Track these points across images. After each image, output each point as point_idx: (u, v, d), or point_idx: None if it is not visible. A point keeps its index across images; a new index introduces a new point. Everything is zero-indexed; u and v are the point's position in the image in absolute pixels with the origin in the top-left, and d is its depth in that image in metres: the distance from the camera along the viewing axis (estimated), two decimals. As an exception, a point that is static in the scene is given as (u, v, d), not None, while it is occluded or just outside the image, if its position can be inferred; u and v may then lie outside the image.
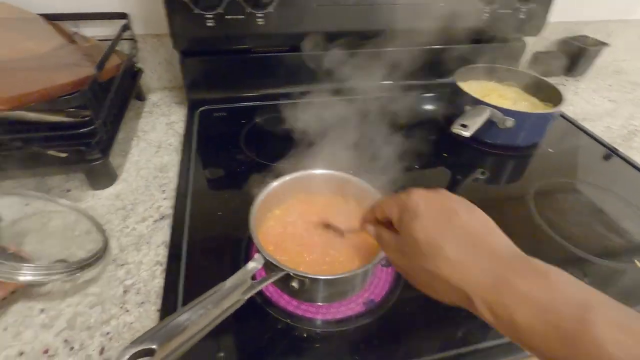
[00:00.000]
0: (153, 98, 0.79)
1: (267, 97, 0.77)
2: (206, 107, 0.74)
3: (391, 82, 0.84)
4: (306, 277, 0.36)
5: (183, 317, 0.30)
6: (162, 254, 0.47)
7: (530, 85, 0.74)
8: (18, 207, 0.50)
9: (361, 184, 0.46)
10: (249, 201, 0.54)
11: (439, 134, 0.71)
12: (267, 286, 0.40)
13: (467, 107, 0.65)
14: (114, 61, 0.60)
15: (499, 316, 0.24)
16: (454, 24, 0.78)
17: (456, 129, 0.56)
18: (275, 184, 0.46)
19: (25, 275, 0.38)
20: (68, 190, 0.55)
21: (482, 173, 0.63)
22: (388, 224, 0.34)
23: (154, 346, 0.27)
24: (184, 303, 0.41)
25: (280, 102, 0.77)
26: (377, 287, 0.44)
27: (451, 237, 0.27)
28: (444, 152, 0.66)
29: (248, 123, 0.71)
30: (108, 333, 0.39)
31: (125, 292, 0.43)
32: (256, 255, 0.37)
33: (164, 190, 0.56)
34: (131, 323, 0.40)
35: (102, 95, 0.53)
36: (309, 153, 0.64)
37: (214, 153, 0.64)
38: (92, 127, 0.50)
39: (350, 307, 0.43)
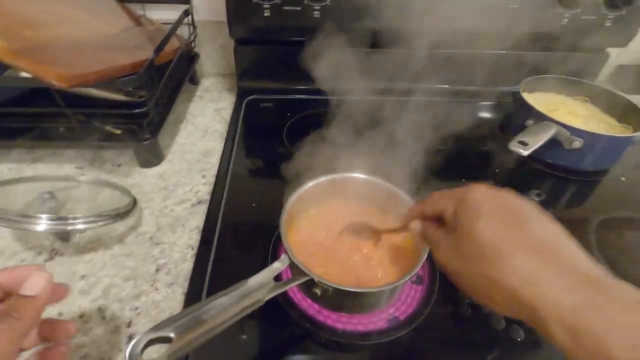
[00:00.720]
0: (206, 83, 0.81)
1: (315, 91, 0.76)
2: (254, 96, 0.75)
3: (447, 86, 0.79)
4: (330, 286, 0.35)
5: (204, 309, 0.30)
6: (195, 238, 0.48)
7: (607, 102, 0.66)
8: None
9: (403, 198, 0.43)
10: (283, 196, 0.54)
11: (494, 146, 0.65)
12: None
13: (530, 122, 0.59)
14: (172, 45, 0.62)
15: (582, 344, 0.20)
16: (527, 28, 0.71)
17: (514, 147, 0.51)
18: (312, 183, 0.45)
19: (73, 224, 0.42)
20: (119, 165, 0.58)
21: (538, 195, 0.57)
22: (436, 221, 0.31)
23: (172, 334, 0.27)
24: (209, 291, 0.42)
25: (328, 97, 0.75)
26: (404, 304, 0.42)
27: (523, 245, 0.24)
28: (496, 167, 0.61)
29: (293, 116, 0.71)
30: (137, 308, 0.41)
31: (157, 270, 0.44)
32: (283, 256, 0.37)
33: (204, 175, 0.58)
34: (159, 302, 0.41)
35: (158, 77, 0.55)
36: (350, 155, 0.62)
37: (257, 143, 0.64)
38: (145, 108, 0.52)
39: (372, 321, 0.41)
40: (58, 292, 0.27)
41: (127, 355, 0.25)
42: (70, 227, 0.42)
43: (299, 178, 0.57)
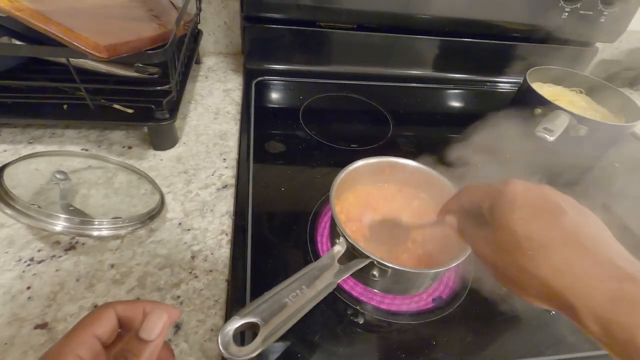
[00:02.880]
0: (208, 62, 0.77)
1: (327, 75, 0.75)
2: (264, 77, 0.72)
3: (447, 73, 0.81)
4: (391, 267, 0.35)
5: (280, 294, 0.29)
6: (226, 223, 0.46)
7: (601, 94, 0.71)
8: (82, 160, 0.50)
9: (449, 188, 0.44)
10: (312, 179, 0.54)
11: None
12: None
13: (538, 110, 0.62)
14: (184, 19, 0.57)
15: (613, 335, 0.22)
16: (529, 20, 0.74)
17: (540, 133, 0.53)
18: (361, 163, 0.44)
19: (93, 230, 0.38)
20: (129, 147, 0.54)
21: (538, 180, 0.60)
22: (472, 214, 0.31)
23: (257, 321, 0.26)
24: (253, 278, 0.41)
25: (341, 81, 0.75)
26: (442, 284, 0.44)
27: (558, 238, 0.25)
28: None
29: (306, 99, 0.69)
30: (178, 297, 0.39)
31: (193, 257, 0.42)
32: (340, 239, 0.36)
33: (224, 159, 0.55)
34: (201, 290, 0.39)
35: (177, 53, 0.51)
36: (368, 138, 0.62)
37: (273, 126, 0.62)
38: (167, 86, 0.48)
39: (415, 300, 0.42)
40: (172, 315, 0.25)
41: (220, 346, 0.24)
42: (95, 233, 0.38)
43: (326, 162, 0.57)
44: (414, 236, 0.43)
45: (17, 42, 0.47)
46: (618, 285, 0.22)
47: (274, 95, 0.70)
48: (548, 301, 0.25)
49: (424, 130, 0.69)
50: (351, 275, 0.41)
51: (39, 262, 0.39)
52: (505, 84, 0.84)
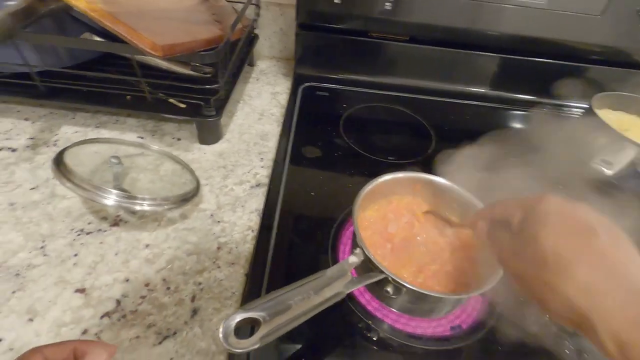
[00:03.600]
0: (261, 65, 0.81)
1: (373, 85, 0.75)
2: (311, 83, 0.74)
3: (505, 92, 0.77)
4: (405, 286, 0.34)
5: (286, 295, 0.29)
6: (254, 220, 0.48)
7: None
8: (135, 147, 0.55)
9: (477, 206, 0.42)
10: (343, 187, 0.54)
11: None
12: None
13: (602, 140, 0.57)
14: (242, 24, 0.61)
15: (631, 357, 0.21)
16: (604, 40, 0.68)
17: (597, 164, 0.49)
18: (389, 176, 0.44)
19: (135, 205, 0.43)
20: (179, 139, 0.59)
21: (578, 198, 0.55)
22: (503, 225, 0.31)
23: (261, 317, 0.27)
24: (270, 275, 0.42)
25: (386, 92, 0.74)
26: (464, 312, 0.41)
27: (585, 258, 0.25)
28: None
29: (349, 108, 0.69)
30: (200, 283, 0.41)
31: (218, 248, 0.44)
32: (357, 250, 0.36)
33: (262, 159, 0.57)
34: (221, 280, 0.41)
35: (228, 55, 0.55)
36: (407, 152, 0.61)
37: (313, 131, 0.63)
38: (216, 85, 0.51)
39: (432, 325, 0.40)
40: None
41: (220, 335, 0.25)
42: (138, 207, 0.43)
43: (360, 171, 0.57)
44: (440, 258, 0.42)
45: (96, 38, 0.54)
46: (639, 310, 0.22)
47: (319, 102, 0.71)
48: (569, 319, 0.25)
49: (468, 150, 0.66)
50: (368, 290, 0.41)
51: (88, 234, 0.44)
52: (569, 107, 0.77)
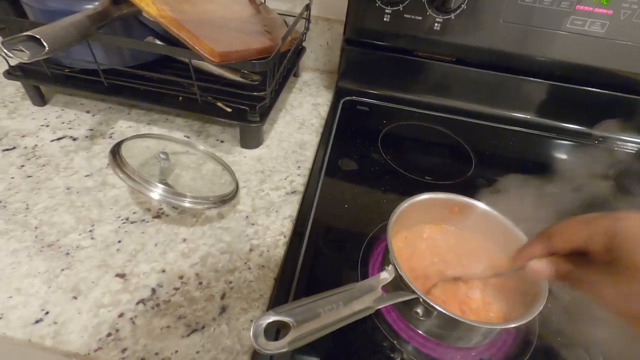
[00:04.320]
0: (305, 77, 0.83)
1: (414, 103, 0.75)
2: (352, 97, 0.75)
3: (553, 121, 0.74)
4: (436, 309, 0.33)
5: (316, 304, 0.30)
6: (287, 226, 0.49)
7: None
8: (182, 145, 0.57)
9: (520, 239, 0.40)
10: (377, 203, 0.54)
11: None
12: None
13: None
14: (291, 36, 0.63)
15: None
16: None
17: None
18: (425, 196, 0.43)
19: (179, 201, 0.44)
20: (222, 142, 0.61)
21: None
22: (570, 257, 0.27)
23: (290, 322, 0.27)
24: (299, 282, 0.42)
25: (427, 112, 0.74)
26: (494, 346, 0.39)
27: None
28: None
29: (389, 124, 0.70)
30: (230, 282, 0.42)
31: (250, 250, 0.46)
32: (389, 267, 0.36)
33: (299, 167, 0.58)
34: (250, 281, 0.42)
35: (277, 65, 0.57)
36: (445, 173, 0.60)
37: (351, 145, 0.64)
38: (263, 92, 0.53)
39: (460, 354, 0.39)
40: None
41: (251, 334, 0.26)
42: (180, 203, 0.44)
43: (396, 188, 0.56)
44: (476, 285, 0.40)
45: (158, 42, 0.58)
46: None
47: (359, 116, 0.72)
48: None
49: (510, 177, 0.63)
50: (396, 309, 0.41)
51: (132, 223, 0.47)
52: (623, 142, 0.73)
